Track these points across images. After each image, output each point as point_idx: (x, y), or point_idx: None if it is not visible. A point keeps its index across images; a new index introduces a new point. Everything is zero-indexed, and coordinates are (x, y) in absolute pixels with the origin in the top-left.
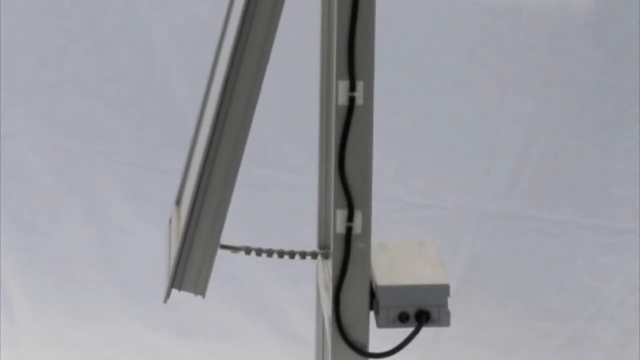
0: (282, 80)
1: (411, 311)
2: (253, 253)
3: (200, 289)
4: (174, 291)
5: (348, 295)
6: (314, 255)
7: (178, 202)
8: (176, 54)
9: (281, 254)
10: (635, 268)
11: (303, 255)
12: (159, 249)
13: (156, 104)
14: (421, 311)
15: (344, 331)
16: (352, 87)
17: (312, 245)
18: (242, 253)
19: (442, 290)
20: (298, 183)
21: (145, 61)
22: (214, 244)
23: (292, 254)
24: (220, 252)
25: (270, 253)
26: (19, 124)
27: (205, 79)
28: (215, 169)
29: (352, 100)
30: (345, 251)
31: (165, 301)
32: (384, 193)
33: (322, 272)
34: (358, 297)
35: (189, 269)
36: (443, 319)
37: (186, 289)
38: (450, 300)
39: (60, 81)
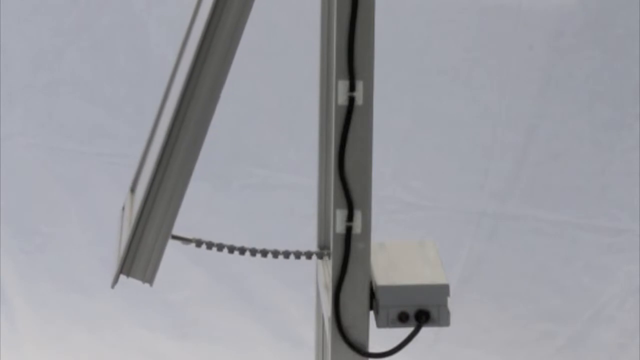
0: (282, 80)
1: (411, 311)
2: (258, 255)
3: (148, 277)
4: (174, 292)
5: (348, 295)
6: (313, 255)
7: (133, 189)
8: (173, 54)
9: (279, 254)
10: (635, 268)
11: (302, 255)
12: None
13: (154, 104)
14: (421, 311)
15: (344, 331)
16: (352, 87)
17: (312, 245)
18: (198, 246)
19: (442, 290)
20: (298, 183)
21: (142, 61)
22: (165, 234)
23: (291, 254)
24: (223, 254)
25: (269, 254)
26: (17, 125)
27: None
28: (173, 159)
29: (351, 100)
30: (345, 251)
31: (112, 286)
32: (383, 193)
33: (322, 272)
34: (358, 297)
35: (139, 257)
36: (443, 319)
37: (135, 276)
38: (449, 300)
39: (58, 82)
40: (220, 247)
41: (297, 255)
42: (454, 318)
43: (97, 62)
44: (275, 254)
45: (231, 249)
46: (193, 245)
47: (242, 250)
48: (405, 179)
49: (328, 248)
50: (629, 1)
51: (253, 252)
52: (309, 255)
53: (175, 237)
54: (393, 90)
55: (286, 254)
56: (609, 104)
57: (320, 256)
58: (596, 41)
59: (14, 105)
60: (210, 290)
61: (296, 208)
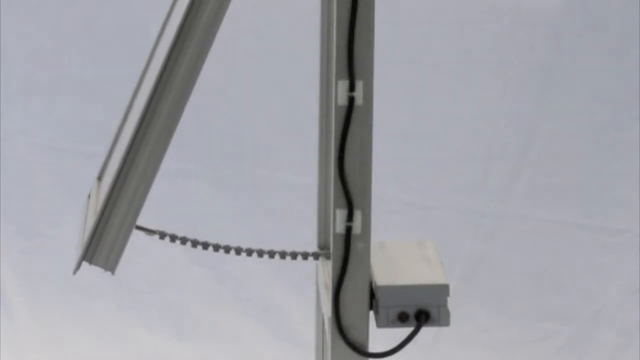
0: (282, 80)
1: (411, 311)
2: (254, 255)
3: (110, 265)
4: (174, 293)
5: (348, 295)
6: (314, 255)
7: (100, 177)
8: None
9: (275, 253)
10: (635, 268)
11: (303, 255)
12: (158, 251)
13: None
14: (421, 311)
15: (344, 331)
16: (352, 87)
17: (312, 245)
18: (162, 237)
19: (442, 290)
20: (298, 183)
21: (142, 61)
22: (130, 223)
23: (292, 255)
24: (223, 255)
25: (265, 254)
26: (17, 124)
27: (204, 81)
28: (142, 150)
29: (351, 100)
30: (345, 251)
31: (74, 273)
32: (383, 193)
33: (322, 272)
34: (358, 297)
35: (102, 244)
36: (443, 319)
37: (97, 264)
38: (449, 300)
39: (58, 81)
40: (216, 247)
41: (295, 255)
42: (454, 318)
43: (97, 62)
44: (271, 253)
45: (227, 249)
46: (190, 245)
47: (238, 251)
48: (405, 179)
49: (328, 248)
50: (629, 1)
51: (249, 252)
52: (308, 255)
53: (139, 228)
54: (393, 90)
55: (291, 255)
56: (609, 104)
57: (320, 256)
58: (596, 41)
59: (14, 105)
60: (210, 290)
61: (296, 208)
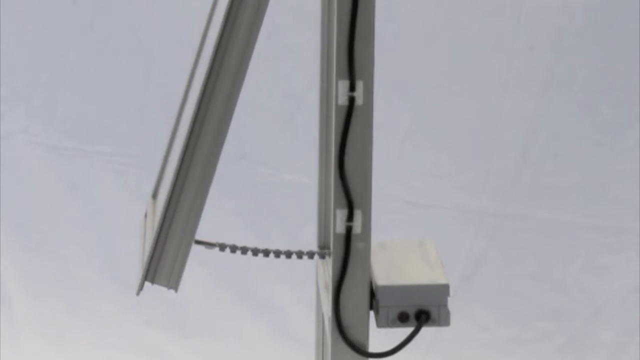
0: (283, 80)
1: (411, 311)
2: (251, 253)
3: (173, 283)
4: (173, 291)
5: (348, 295)
6: (313, 255)
7: (154, 195)
8: (176, 54)
9: (281, 254)
10: (635, 268)
11: (303, 255)
12: None
13: (156, 103)
14: (421, 311)
15: (344, 331)
16: (352, 87)
17: (313, 245)
18: (222, 250)
19: (442, 290)
20: (299, 182)
21: (145, 60)
22: (188, 239)
23: (292, 254)
24: (224, 253)
25: (271, 253)
26: (19, 123)
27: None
28: (194, 164)
29: (351, 100)
30: (345, 251)
31: (137, 293)
32: (384, 193)
33: (322, 272)
34: (358, 297)
35: (163, 263)
36: (443, 319)
37: (159, 283)
38: (449, 300)
39: (60, 80)
40: (269, 253)
41: (296, 255)
42: (454, 318)
43: (98, 61)
44: (277, 253)
45: (233, 249)
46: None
47: (244, 250)
48: (405, 179)
49: (328, 248)
50: (629, 1)
51: (255, 252)
52: (309, 255)
53: (198, 242)
54: (393, 90)
55: (284, 254)
56: (610, 104)
57: (320, 256)
58: (597, 41)
59: (16, 104)
60: (211, 289)
61: (296, 208)
